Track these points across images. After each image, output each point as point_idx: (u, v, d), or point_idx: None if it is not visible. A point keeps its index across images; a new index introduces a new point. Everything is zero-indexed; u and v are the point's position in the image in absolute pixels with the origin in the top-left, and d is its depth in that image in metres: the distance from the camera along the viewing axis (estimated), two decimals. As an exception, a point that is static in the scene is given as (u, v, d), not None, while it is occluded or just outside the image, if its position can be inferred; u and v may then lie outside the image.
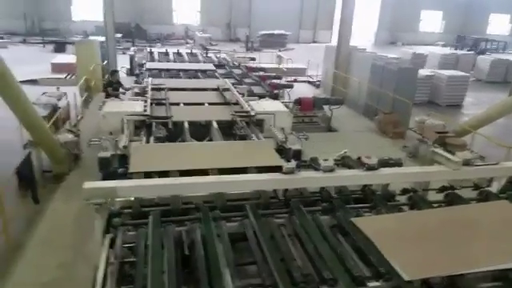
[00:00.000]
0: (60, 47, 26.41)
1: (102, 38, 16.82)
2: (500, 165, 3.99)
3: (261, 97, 8.23)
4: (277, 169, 3.71)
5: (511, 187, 4.11)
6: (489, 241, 3.11)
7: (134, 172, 4.02)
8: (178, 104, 7.09)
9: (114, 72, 12.38)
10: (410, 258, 2.79)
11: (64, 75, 18.04)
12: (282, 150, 5.21)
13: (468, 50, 32.70)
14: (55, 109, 10.58)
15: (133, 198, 3.50)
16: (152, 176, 3.92)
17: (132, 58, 16.73)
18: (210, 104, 7.35)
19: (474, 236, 3.17)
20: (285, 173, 3.49)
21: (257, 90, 9.76)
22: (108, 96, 11.26)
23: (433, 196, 4.04)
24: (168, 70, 11.13)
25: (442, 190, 4.01)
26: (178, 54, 14.79)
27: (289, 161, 3.59)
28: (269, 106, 6.66)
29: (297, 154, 5.18)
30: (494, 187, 4.10)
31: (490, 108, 12.47)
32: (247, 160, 4.45)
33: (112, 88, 11.44)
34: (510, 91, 16.34)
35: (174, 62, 13.28)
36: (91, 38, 22.62)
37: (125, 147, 4.86)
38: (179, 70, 11.11)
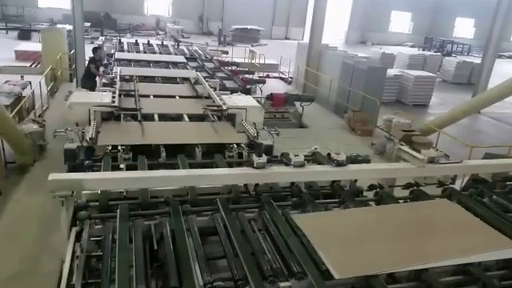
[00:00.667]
0: (24, 34, 25.45)
1: (70, 27, 16.31)
2: (463, 163, 4.12)
3: (233, 91, 8.20)
4: (247, 163, 3.72)
5: (474, 185, 4.26)
6: (426, 238, 3.12)
7: (102, 145, 4.41)
8: (148, 96, 6.98)
9: (97, 49, 11.90)
10: (345, 255, 2.80)
11: (29, 64, 17.42)
12: (253, 145, 5.22)
13: (435, 52, 33.67)
14: (19, 98, 10.21)
15: (99, 191, 3.42)
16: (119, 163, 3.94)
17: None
18: (181, 97, 7.28)
19: (412, 234, 3.17)
20: (256, 167, 3.49)
21: (229, 84, 9.73)
22: (91, 75, 10.98)
23: (399, 192, 4.14)
24: (138, 60, 10.92)
25: (407, 186, 4.12)
26: (149, 44, 14.52)
27: (260, 156, 3.58)
28: (241, 101, 6.63)
29: (268, 150, 5.20)
30: (458, 184, 4.24)
31: (454, 108, 12.92)
32: (212, 137, 5.02)
33: (95, 66, 11.12)
34: (474, 93, 16.92)
35: (145, 52, 13.03)
36: (58, 26, 21.90)
37: (91, 139, 4.74)
38: (149, 62, 10.92)
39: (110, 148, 4.60)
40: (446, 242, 3.07)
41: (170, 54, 13.28)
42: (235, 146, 5.02)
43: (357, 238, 3.06)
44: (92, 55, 11.68)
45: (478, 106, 13.18)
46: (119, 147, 4.55)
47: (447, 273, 2.81)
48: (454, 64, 24.11)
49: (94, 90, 7.41)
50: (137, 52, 12.94)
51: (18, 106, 9.52)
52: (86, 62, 12.26)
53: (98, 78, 10.29)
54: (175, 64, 10.99)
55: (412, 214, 3.55)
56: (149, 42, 15.05)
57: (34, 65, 17.23)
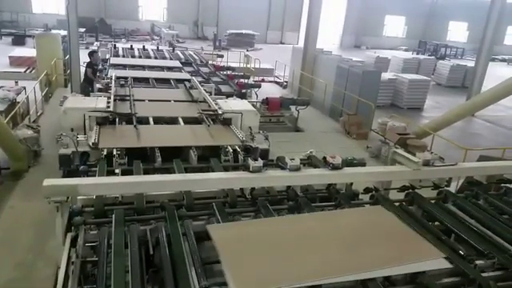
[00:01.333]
0: (19, 40, 25.39)
1: (64, 32, 16.28)
2: (458, 165, 4.14)
3: (228, 96, 8.20)
4: (243, 167, 3.72)
5: (468, 187, 4.28)
6: (350, 248, 2.92)
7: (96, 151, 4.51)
8: (143, 100, 6.97)
9: (93, 53, 11.86)
10: (253, 269, 2.61)
11: (23, 69, 17.36)
12: (249, 149, 5.22)
13: (429, 55, 33.86)
14: (13, 104, 10.17)
15: (95, 197, 3.41)
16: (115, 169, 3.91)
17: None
18: (176, 101, 7.27)
19: (336, 243, 2.97)
20: (252, 171, 3.49)
21: (224, 88, 9.73)
22: (88, 80, 10.94)
23: (394, 195, 4.15)
24: (133, 66, 10.91)
25: (402, 189, 4.13)
26: (144, 49, 14.51)
27: (256, 160, 3.59)
28: (236, 105, 6.64)
29: (264, 154, 5.20)
30: (453, 187, 4.26)
31: (448, 111, 12.99)
32: (209, 139, 5.13)
33: (92, 70, 11.06)
34: (468, 96, 17.03)
35: (140, 57, 13.03)
36: (53, 31, 21.86)
37: (94, 144, 4.73)
38: (144, 67, 10.92)
39: (104, 153, 4.59)
40: (371, 252, 2.87)
41: (165, 58, 13.29)
42: (231, 149, 5.01)
43: (275, 248, 2.84)
44: (88, 60, 11.67)
45: (472, 108, 13.25)
46: (114, 152, 4.54)
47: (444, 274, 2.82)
48: (448, 67, 24.26)
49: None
50: (132, 57, 12.93)
51: (13, 112, 9.48)
52: (83, 68, 12.23)
53: (94, 82, 10.28)
54: (170, 69, 11.00)
55: (339, 222, 3.36)
56: (144, 46, 15.03)
57: (28, 70, 17.17)
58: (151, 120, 5.95)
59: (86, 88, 10.49)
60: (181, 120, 6.07)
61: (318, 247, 2.91)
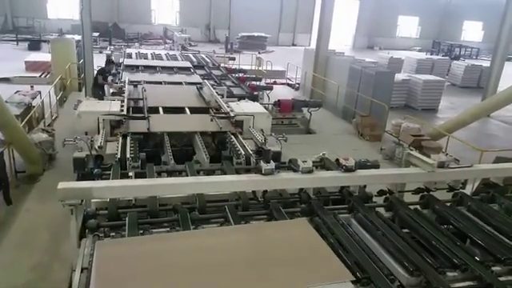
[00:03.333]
0: (34, 45, 25.77)
1: (79, 37, 16.51)
2: (474, 167, 4.08)
3: (240, 98, 8.22)
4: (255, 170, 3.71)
5: (484, 189, 4.21)
6: (255, 268, 2.71)
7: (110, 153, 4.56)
8: (156, 109, 6.84)
9: (110, 62, 11.86)
10: None
11: (38, 74, 17.63)
12: (261, 152, 5.22)
13: (443, 56, 33.47)
14: (29, 108, 10.32)
15: (108, 200, 3.43)
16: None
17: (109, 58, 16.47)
18: (189, 108, 7.14)
19: (238, 263, 2.73)
20: (264, 174, 3.48)
21: (236, 91, 9.76)
22: (98, 85, 11.04)
23: (409, 197, 4.10)
24: (145, 66, 11.12)
25: (417, 191, 4.08)
26: (157, 56, 14.62)
27: (268, 162, 3.58)
28: (248, 108, 6.65)
29: (276, 156, 5.19)
30: (468, 189, 4.20)
31: (464, 112, 12.80)
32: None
33: (103, 77, 11.11)
34: (483, 96, 16.77)
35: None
36: (67, 36, 22.17)
37: (100, 147, 4.78)
38: (156, 67, 11.10)
39: (118, 156, 4.63)
40: (275, 272, 2.67)
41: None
42: (243, 152, 5.01)
43: (163, 272, 2.55)
44: (103, 66, 11.75)
45: (488, 109, 13.04)
46: (128, 155, 4.58)
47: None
48: (463, 68, 23.93)
49: (103, 99, 7.47)
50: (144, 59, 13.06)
51: (28, 116, 9.62)
52: (95, 72, 12.34)
53: (106, 87, 10.35)
54: (181, 69, 11.19)
55: (252, 237, 3.13)
56: (155, 53, 15.19)
57: (43, 75, 17.43)
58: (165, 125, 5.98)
59: (97, 93, 10.56)
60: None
61: (219, 267, 2.66)
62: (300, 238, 3.10)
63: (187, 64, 12.14)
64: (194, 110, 7.01)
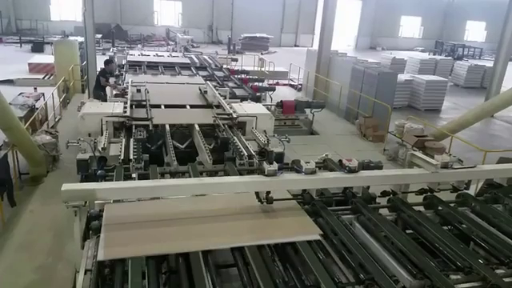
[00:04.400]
0: (38, 47, 25.86)
1: (82, 39, 16.58)
2: (477, 168, 4.06)
3: (243, 99, 8.22)
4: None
5: (488, 190, 4.20)
6: (235, 221, 3.28)
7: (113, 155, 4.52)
8: (159, 106, 7.02)
9: (109, 62, 11.61)
10: (122, 239, 2.91)
11: (42, 76, 17.70)
12: (263, 153, 5.21)
13: (446, 56, 33.38)
14: (32, 110, 10.37)
15: (112, 201, 3.44)
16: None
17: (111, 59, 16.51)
18: (191, 106, 7.31)
19: (223, 218, 3.30)
20: (267, 175, 3.48)
21: (239, 92, 9.76)
22: (100, 87, 11.04)
23: (412, 198, 4.09)
24: (148, 62, 11.81)
25: (421, 192, 4.07)
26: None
27: (271, 163, 3.57)
28: (251, 109, 6.65)
29: (279, 157, 5.19)
30: (472, 190, 4.18)
31: (467, 113, 12.76)
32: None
33: (106, 79, 10.98)
34: (487, 96, 16.72)
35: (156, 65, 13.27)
36: (70, 38, 22.25)
37: (103, 149, 4.79)
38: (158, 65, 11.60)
39: (121, 158, 4.64)
40: (256, 224, 3.28)
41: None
42: (246, 153, 5.01)
43: (155, 225, 3.13)
44: (103, 67, 11.74)
45: (491, 109, 12.99)
46: (131, 157, 4.59)
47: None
48: (466, 68, 23.87)
49: (105, 101, 7.49)
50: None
51: (32, 118, 9.66)
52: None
53: (108, 89, 10.35)
54: (183, 67, 11.77)
55: (237, 201, 3.64)
56: (157, 54, 15.34)
57: (46, 77, 17.50)
58: (167, 127, 5.99)
59: (99, 94, 10.57)
60: (197, 126, 6.08)
61: (204, 221, 3.24)
62: (281, 205, 3.57)
63: (186, 60, 13.27)
64: (196, 112, 7.07)
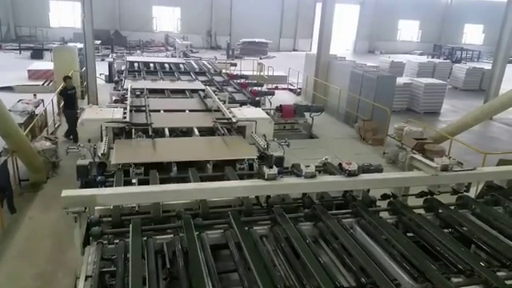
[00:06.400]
0: (37, 54, 25.90)
1: (81, 45, 16.60)
2: (477, 170, 4.07)
3: (242, 104, 8.23)
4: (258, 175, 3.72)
5: (488, 192, 4.19)
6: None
7: (117, 163, 4.54)
8: (158, 111, 7.03)
9: (67, 78, 11.26)
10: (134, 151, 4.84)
11: (41, 82, 17.72)
12: (263, 157, 5.21)
13: (444, 59, 33.45)
14: (32, 116, 10.36)
15: (112, 207, 3.43)
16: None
17: (111, 65, 16.55)
18: (190, 111, 7.32)
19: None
20: (267, 179, 3.48)
21: (238, 96, 9.77)
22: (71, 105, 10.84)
23: (412, 201, 4.09)
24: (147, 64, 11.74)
25: (421, 195, 4.07)
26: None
27: (271, 167, 3.57)
28: (250, 113, 6.65)
29: (279, 161, 5.19)
30: (472, 192, 4.18)
31: (466, 115, 12.77)
32: (223, 153, 5.16)
33: (64, 98, 10.90)
34: (485, 99, 16.75)
35: (155, 69, 13.26)
36: (69, 44, 22.28)
37: (103, 155, 4.78)
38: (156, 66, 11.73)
39: (121, 164, 4.63)
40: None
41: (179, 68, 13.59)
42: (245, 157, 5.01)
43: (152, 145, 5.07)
44: (63, 84, 11.30)
45: (490, 112, 13.00)
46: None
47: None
48: (464, 71, 23.91)
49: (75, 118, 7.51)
50: (146, 67, 13.14)
51: (31, 124, 9.66)
52: (98, 80, 12.39)
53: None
54: (182, 74, 11.68)
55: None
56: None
57: (46, 83, 17.51)
58: (167, 131, 5.99)
59: (72, 113, 10.16)
60: (196, 130, 6.09)
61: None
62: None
63: (181, 60, 13.66)
64: (196, 116, 7.08)
